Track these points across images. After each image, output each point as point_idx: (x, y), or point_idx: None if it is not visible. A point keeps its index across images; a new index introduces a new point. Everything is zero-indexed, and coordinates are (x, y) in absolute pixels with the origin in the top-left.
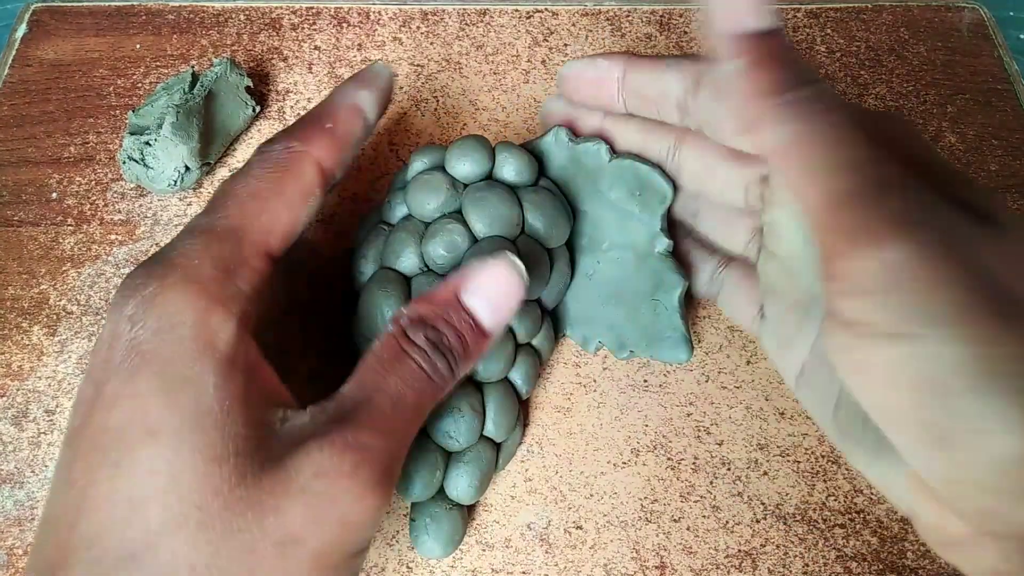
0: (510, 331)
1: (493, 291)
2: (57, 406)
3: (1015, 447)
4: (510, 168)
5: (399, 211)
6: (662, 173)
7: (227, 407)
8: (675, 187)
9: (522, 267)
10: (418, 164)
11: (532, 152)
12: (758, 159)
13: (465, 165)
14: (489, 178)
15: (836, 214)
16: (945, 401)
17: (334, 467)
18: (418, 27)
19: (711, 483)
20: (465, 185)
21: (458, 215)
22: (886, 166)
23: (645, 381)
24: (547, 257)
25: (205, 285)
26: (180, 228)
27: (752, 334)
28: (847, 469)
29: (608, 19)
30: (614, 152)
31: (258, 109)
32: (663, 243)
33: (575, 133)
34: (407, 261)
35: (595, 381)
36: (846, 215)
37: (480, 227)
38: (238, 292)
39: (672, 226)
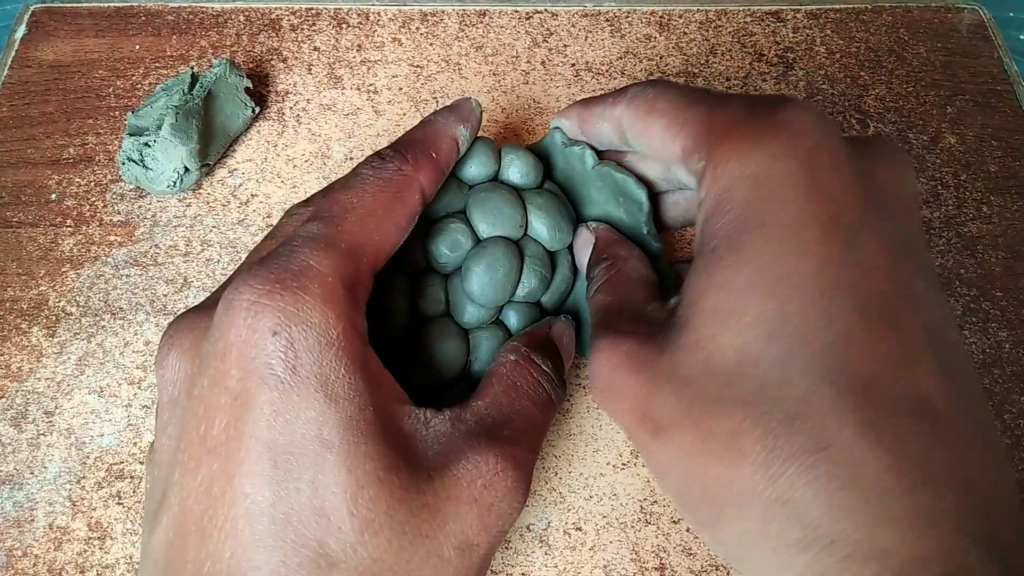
0: (505, 329)
1: (565, 340)
2: (56, 407)
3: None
4: (516, 170)
5: None
6: (636, 181)
7: (385, 417)
8: (651, 195)
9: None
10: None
11: (537, 153)
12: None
13: (471, 167)
14: (495, 180)
15: (697, 129)
16: (766, 303)
17: (500, 480)
18: (417, 28)
19: None
20: (471, 186)
21: (462, 215)
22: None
23: None
24: (549, 259)
25: (341, 303)
26: (179, 229)
27: None
28: None
29: (608, 20)
30: (599, 157)
31: (257, 110)
32: (652, 246)
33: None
34: (414, 259)
35: None
36: (705, 128)
37: (483, 227)
38: (360, 309)
39: (661, 227)
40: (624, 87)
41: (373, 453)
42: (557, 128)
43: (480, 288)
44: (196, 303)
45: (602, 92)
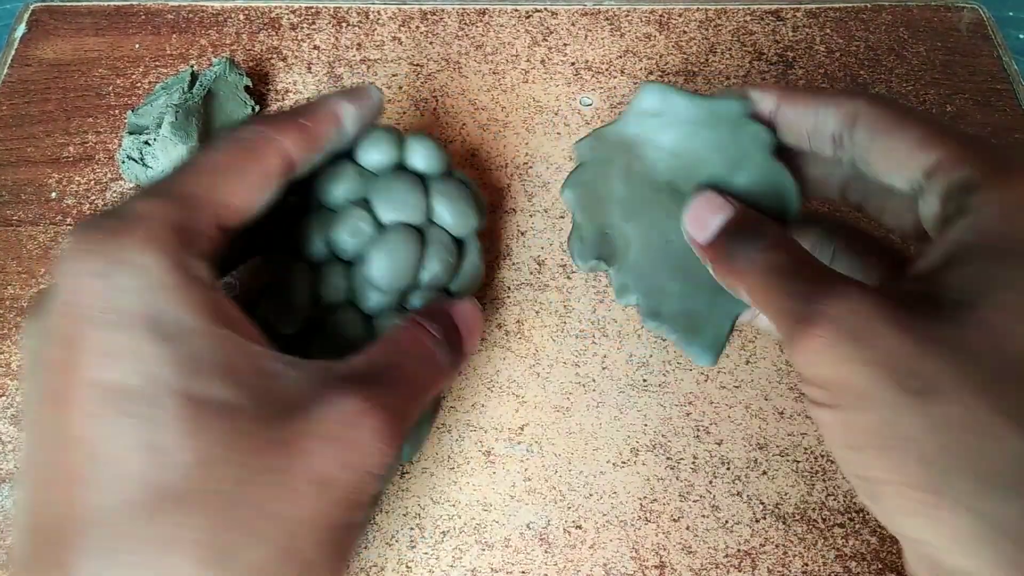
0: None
1: (468, 318)
2: None
3: (909, 500)
4: (419, 157)
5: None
6: (799, 190)
7: (236, 356)
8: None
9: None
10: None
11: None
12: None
13: (371, 153)
14: (399, 167)
15: (780, 329)
16: (862, 458)
17: (364, 420)
18: (417, 27)
19: (710, 483)
20: (375, 175)
21: (365, 203)
22: (810, 274)
23: (644, 381)
24: (455, 246)
25: (169, 246)
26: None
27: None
28: None
29: (607, 19)
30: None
31: (257, 109)
32: None
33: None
34: (315, 247)
35: (594, 381)
36: (781, 327)
37: (384, 214)
38: (202, 257)
39: None
40: (834, 90)
41: (211, 389)
42: (739, 99)
43: (380, 274)
44: None
45: (602, 91)
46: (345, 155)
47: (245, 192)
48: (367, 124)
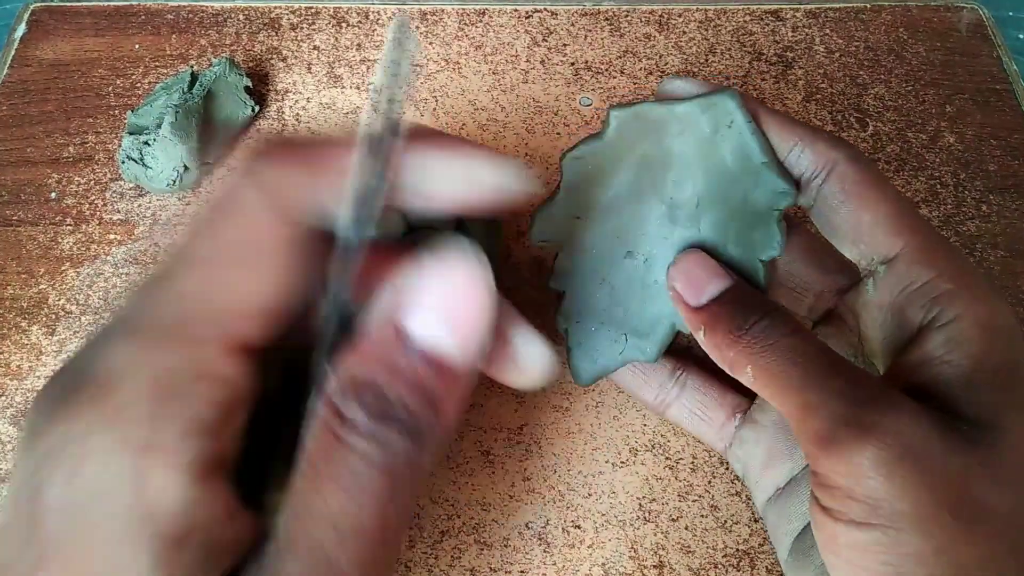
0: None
1: (444, 303)
2: None
3: None
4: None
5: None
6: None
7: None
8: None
9: (478, 254)
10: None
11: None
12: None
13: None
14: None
15: (806, 423)
16: None
17: None
18: (417, 27)
19: (709, 482)
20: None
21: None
22: (840, 375)
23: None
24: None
25: (140, 427)
26: (179, 228)
27: (711, 442)
28: None
29: (607, 19)
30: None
31: (257, 109)
32: (774, 247)
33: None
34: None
35: None
36: (812, 424)
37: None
38: (191, 425)
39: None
40: (817, 129)
41: None
42: (734, 101)
43: None
44: None
45: (602, 91)
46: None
47: (270, 280)
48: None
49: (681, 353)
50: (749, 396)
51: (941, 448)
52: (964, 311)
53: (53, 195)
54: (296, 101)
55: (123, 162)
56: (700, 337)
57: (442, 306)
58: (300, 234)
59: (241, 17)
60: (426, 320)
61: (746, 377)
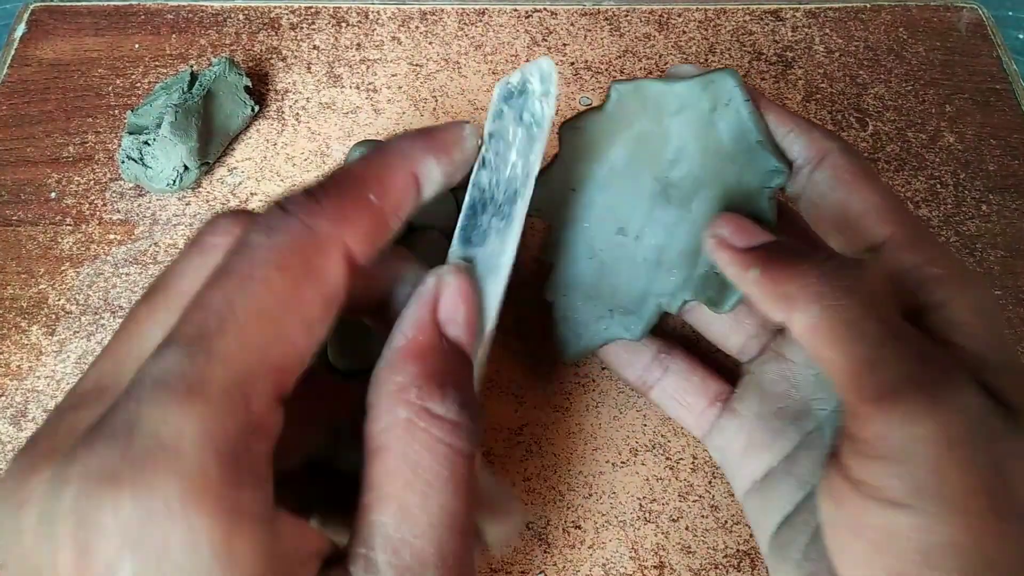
0: None
1: (462, 305)
2: (56, 406)
3: None
4: None
5: None
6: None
7: None
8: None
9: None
10: (356, 154)
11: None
12: None
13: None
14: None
15: (866, 377)
16: (923, 573)
17: None
18: (417, 27)
19: (710, 483)
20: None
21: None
22: (913, 337)
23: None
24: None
25: (215, 492)
26: (179, 227)
27: (690, 428)
28: None
29: (607, 19)
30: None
31: (257, 109)
32: (767, 217)
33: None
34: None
35: (594, 380)
36: (875, 378)
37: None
38: (257, 481)
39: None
40: (811, 121)
41: None
42: (734, 79)
43: None
44: None
45: (602, 91)
46: None
47: (307, 338)
48: (459, 179)
49: (667, 336)
50: (731, 384)
51: (991, 435)
52: (956, 295)
53: (53, 195)
54: (296, 101)
55: (123, 162)
56: (749, 277)
57: (460, 308)
58: (343, 299)
59: (241, 17)
60: (456, 321)
61: (798, 317)
